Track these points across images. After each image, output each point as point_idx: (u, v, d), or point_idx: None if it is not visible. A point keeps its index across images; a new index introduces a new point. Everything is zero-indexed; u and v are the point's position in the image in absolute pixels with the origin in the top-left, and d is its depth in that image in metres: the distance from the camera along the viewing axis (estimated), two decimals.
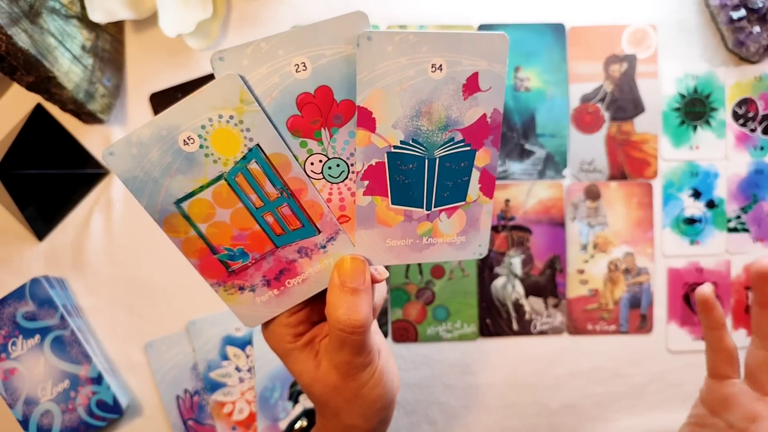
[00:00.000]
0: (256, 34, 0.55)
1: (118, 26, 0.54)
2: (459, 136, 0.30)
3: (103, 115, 0.52)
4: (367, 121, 0.28)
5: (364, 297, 0.30)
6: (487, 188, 0.32)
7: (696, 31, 0.56)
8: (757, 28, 0.54)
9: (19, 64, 0.44)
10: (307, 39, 0.27)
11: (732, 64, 0.57)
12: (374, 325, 0.37)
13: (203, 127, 0.27)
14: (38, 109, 0.53)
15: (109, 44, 0.53)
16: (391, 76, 0.27)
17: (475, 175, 0.31)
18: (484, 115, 0.30)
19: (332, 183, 0.30)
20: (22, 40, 0.42)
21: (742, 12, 0.53)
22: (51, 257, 0.54)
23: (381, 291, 0.35)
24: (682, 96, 0.57)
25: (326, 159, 0.29)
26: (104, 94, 0.52)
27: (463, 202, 0.32)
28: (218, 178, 0.28)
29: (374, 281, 0.32)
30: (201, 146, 0.27)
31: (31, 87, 0.46)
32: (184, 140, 0.27)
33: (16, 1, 0.42)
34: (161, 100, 0.54)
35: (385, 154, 0.29)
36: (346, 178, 0.30)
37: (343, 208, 0.31)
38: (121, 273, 0.55)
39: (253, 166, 0.28)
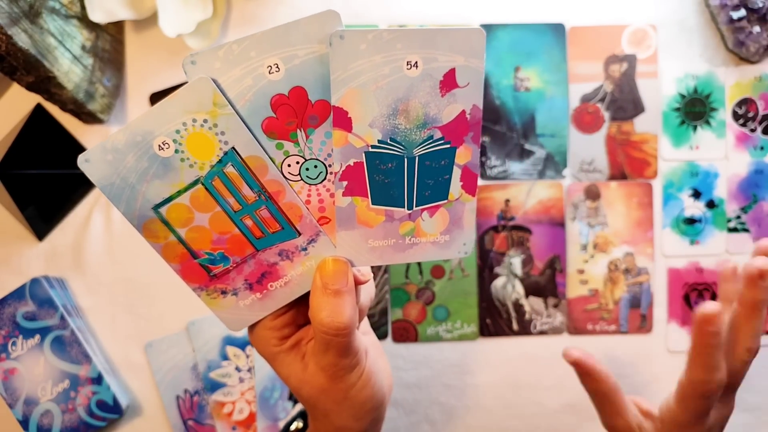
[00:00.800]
0: None
1: (118, 26, 0.54)
2: (438, 134, 0.29)
3: (103, 115, 0.52)
4: (343, 121, 0.28)
5: (347, 299, 0.30)
6: (470, 186, 0.31)
7: (696, 31, 0.56)
8: (757, 28, 0.54)
9: (19, 64, 0.44)
10: (279, 39, 0.26)
11: (732, 64, 0.57)
12: (364, 325, 0.37)
13: (177, 131, 0.27)
14: (38, 109, 0.53)
15: (109, 44, 0.53)
16: (365, 74, 0.27)
17: (456, 172, 0.31)
18: (463, 111, 0.29)
19: (310, 184, 0.30)
20: (22, 40, 0.42)
21: (742, 12, 0.53)
22: (51, 257, 0.54)
23: (368, 292, 0.34)
24: (682, 96, 0.57)
25: (303, 160, 0.29)
26: (104, 94, 0.52)
27: (446, 201, 0.31)
28: (195, 183, 0.28)
29: (358, 283, 0.32)
30: (176, 151, 0.27)
31: (31, 87, 0.46)
32: (159, 145, 0.27)
33: (16, 1, 0.42)
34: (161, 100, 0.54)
35: (363, 154, 0.29)
36: (324, 179, 0.30)
37: (323, 210, 0.30)
38: (121, 273, 0.55)
39: (230, 169, 0.28)
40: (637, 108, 0.56)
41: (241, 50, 0.26)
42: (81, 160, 0.27)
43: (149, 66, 0.54)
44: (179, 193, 0.28)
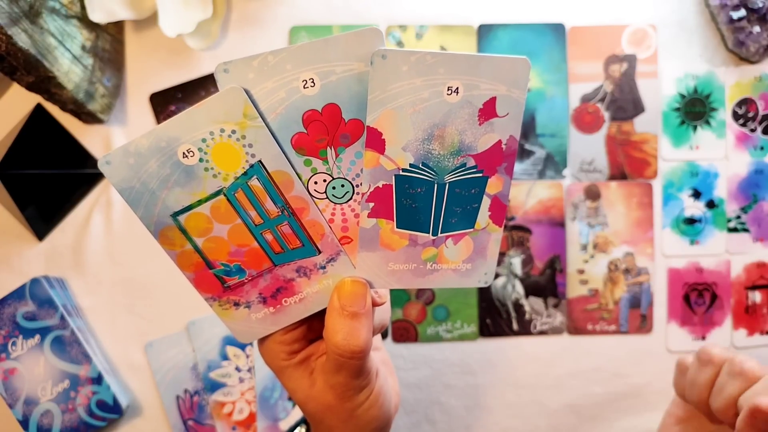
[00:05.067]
0: (256, 34, 0.55)
1: (118, 26, 0.54)
2: (471, 162, 0.29)
3: (103, 115, 0.52)
4: (376, 142, 0.28)
5: (364, 321, 0.29)
6: (497, 216, 0.31)
7: (696, 31, 0.56)
8: (757, 28, 0.54)
9: (19, 64, 0.44)
10: (317, 54, 0.26)
11: (732, 64, 0.57)
12: (377, 341, 0.37)
13: (204, 140, 0.26)
14: (38, 109, 0.53)
15: (109, 44, 0.53)
16: (404, 96, 0.27)
17: (486, 202, 0.30)
18: (500, 141, 0.29)
19: (335, 203, 0.29)
20: (22, 40, 0.42)
21: (742, 12, 0.53)
22: (51, 257, 0.54)
23: (384, 312, 0.34)
24: (682, 96, 0.57)
25: (330, 179, 0.29)
26: (104, 94, 0.52)
27: (471, 230, 0.31)
28: (217, 193, 0.28)
29: (374, 305, 0.31)
30: (201, 160, 0.27)
31: (31, 87, 0.46)
32: (184, 153, 0.27)
33: (16, 1, 0.42)
34: (161, 100, 0.54)
35: (393, 177, 0.29)
36: (350, 198, 0.29)
37: (346, 230, 0.30)
38: (121, 273, 0.55)
39: (254, 182, 0.28)
40: (637, 108, 0.56)
41: (277, 62, 0.26)
42: (102, 162, 0.26)
43: (149, 66, 0.54)
44: (200, 202, 0.28)
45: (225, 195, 0.28)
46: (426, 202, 0.30)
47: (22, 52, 0.43)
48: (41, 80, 0.46)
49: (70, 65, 0.47)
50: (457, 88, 0.27)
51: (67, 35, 0.48)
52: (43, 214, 0.53)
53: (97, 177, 0.55)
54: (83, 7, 0.49)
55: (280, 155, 0.28)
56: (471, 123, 0.28)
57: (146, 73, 0.55)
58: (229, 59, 0.26)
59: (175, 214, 0.28)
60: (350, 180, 0.29)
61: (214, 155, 0.27)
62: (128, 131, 0.54)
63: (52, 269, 0.54)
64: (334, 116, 0.27)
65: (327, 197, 0.29)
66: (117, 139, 0.54)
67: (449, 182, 0.29)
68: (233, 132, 0.27)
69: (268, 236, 0.29)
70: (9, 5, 0.41)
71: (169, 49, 0.54)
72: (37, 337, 0.51)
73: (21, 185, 0.50)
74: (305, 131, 0.27)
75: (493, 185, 0.30)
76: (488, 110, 0.28)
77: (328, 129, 0.28)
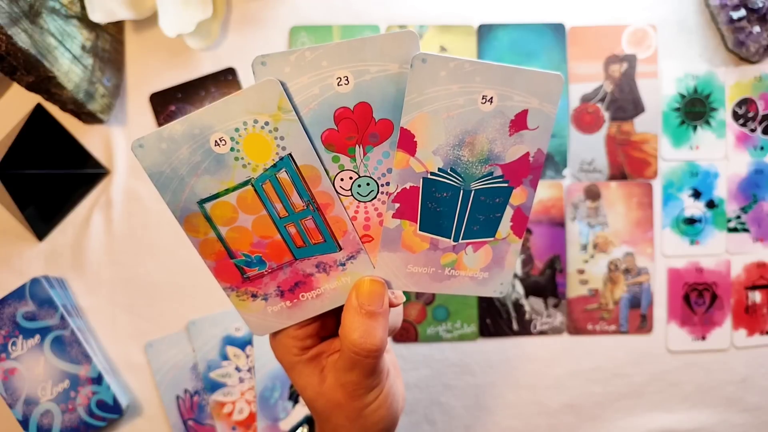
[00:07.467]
0: (256, 34, 0.55)
1: (118, 26, 0.54)
2: (498, 172, 0.29)
3: (103, 115, 0.52)
4: (408, 143, 0.28)
5: (381, 321, 0.30)
6: (519, 227, 0.31)
7: (696, 31, 0.56)
8: (757, 28, 0.54)
9: (19, 64, 0.44)
10: (353, 53, 0.26)
11: (732, 64, 0.57)
12: (388, 343, 0.37)
13: (237, 130, 0.27)
14: (38, 109, 0.53)
15: (109, 44, 0.53)
16: (440, 101, 0.27)
17: (509, 212, 0.31)
18: (528, 153, 0.29)
19: (360, 201, 0.30)
20: (22, 40, 0.42)
21: (742, 12, 0.53)
22: (51, 257, 0.54)
23: (397, 314, 0.34)
24: (682, 96, 0.57)
25: (357, 177, 0.29)
26: (104, 94, 0.52)
27: (492, 238, 0.31)
28: (245, 183, 0.28)
29: (391, 305, 0.31)
30: (232, 149, 0.27)
31: (31, 87, 0.46)
32: (216, 141, 0.27)
33: (16, 1, 0.42)
34: (161, 100, 0.54)
35: (421, 180, 0.29)
36: (375, 198, 0.30)
37: (368, 228, 0.30)
38: (121, 273, 0.55)
39: (283, 175, 0.28)
40: (637, 108, 0.56)
41: (314, 58, 0.26)
42: (135, 145, 0.27)
43: (149, 66, 0.54)
44: (227, 191, 0.28)
45: (253, 185, 0.28)
46: (450, 207, 0.30)
47: (22, 52, 0.43)
48: (41, 80, 0.46)
49: (70, 65, 0.47)
50: (492, 98, 0.27)
51: (67, 35, 0.48)
52: (43, 214, 0.53)
53: (97, 177, 0.55)
54: (83, 7, 0.49)
55: (310, 150, 0.28)
56: (502, 133, 0.28)
57: (146, 73, 0.55)
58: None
59: (202, 202, 0.28)
60: (376, 179, 0.29)
61: (245, 145, 0.27)
62: (128, 131, 0.54)
63: (52, 269, 0.54)
64: (365, 115, 0.28)
65: (352, 195, 0.30)
66: (117, 139, 0.54)
67: (475, 189, 0.30)
68: (266, 124, 0.27)
69: (292, 229, 0.30)
70: (9, 5, 0.41)
71: (169, 49, 0.54)
72: (37, 337, 0.51)
73: (21, 185, 0.50)
74: (336, 128, 0.28)
75: (518, 196, 0.30)
76: (519, 122, 0.28)
77: (358, 127, 0.28)
